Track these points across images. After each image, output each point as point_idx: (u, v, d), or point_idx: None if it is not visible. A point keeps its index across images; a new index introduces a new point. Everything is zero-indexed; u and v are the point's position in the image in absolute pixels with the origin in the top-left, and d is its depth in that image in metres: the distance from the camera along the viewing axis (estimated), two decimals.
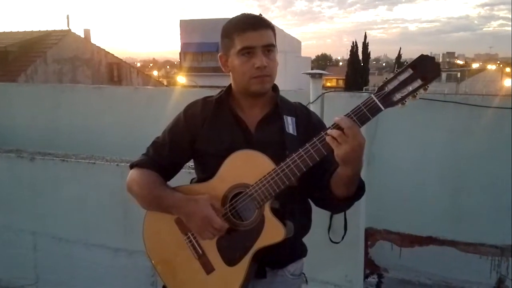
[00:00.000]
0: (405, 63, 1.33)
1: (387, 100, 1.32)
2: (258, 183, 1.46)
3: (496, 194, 3.39)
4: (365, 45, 35.47)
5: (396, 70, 1.33)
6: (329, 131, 1.36)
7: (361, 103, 1.35)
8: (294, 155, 1.42)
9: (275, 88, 1.67)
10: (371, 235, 3.67)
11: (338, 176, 1.45)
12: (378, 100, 1.32)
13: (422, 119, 3.47)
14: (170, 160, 1.66)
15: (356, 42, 35.14)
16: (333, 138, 1.34)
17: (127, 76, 22.34)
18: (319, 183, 1.54)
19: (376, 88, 1.35)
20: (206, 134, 1.60)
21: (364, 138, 1.35)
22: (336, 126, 1.35)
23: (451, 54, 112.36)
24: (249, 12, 1.63)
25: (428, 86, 1.31)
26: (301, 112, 1.67)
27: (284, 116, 1.60)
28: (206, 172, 1.60)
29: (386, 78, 1.34)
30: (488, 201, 3.43)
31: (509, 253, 3.42)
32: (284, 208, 1.52)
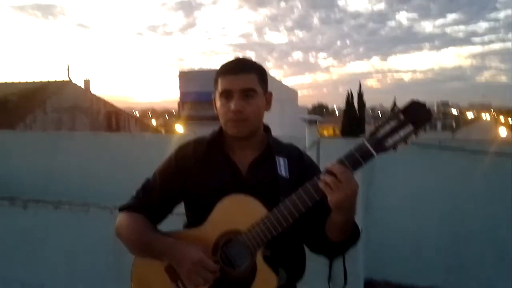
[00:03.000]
0: (395, 108, 1.34)
1: (379, 145, 1.33)
2: (250, 230, 1.43)
3: (496, 241, 3.35)
4: (360, 95, 36.07)
5: (389, 115, 1.35)
6: (321, 177, 1.35)
7: (352, 149, 1.35)
8: (286, 200, 1.40)
9: (267, 129, 1.67)
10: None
11: (331, 222, 1.43)
12: (371, 146, 1.33)
13: (419, 166, 3.48)
14: (160, 203, 1.63)
15: (351, 91, 35.75)
16: (327, 184, 1.33)
17: (125, 125, 22.50)
18: (313, 228, 1.52)
19: (368, 134, 1.36)
20: (197, 176, 1.58)
21: (357, 184, 1.34)
22: (329, 172, 1.34)
23: (445, 103, 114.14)
24: (242, 57, 1.66)
25: (419, 132, 1.32)
26: (293, 153, 1.65)
27: (276, 157, 1.59)
28: (196, 215, 1.57)
29: (378, 123, 1.35)
30: (488, 249, 3.38)
31: None
32: (277, 255, 1.49)
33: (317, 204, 1.40)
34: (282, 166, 1.58)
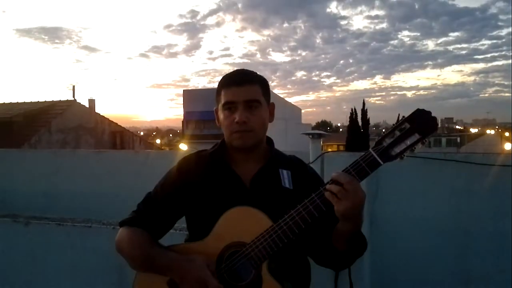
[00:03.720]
0: (401, 117, 1.33)
1: (386, 154, 1.31)
2: (255, 242, 1.40)
3: (503, 255, 3.27)
4: (364, 112, 36.06)
5: (393, 125, 1.33)
6: (328, 187, 1.33)
7: (359, 158, 1.33)
8: (292, 212, 1.38)
9: (270, 141, 1.65)
10: None
11: (338, 232, 1.41)
12: (377, 155, 1.31)
13: (424, 177, 3.43)
14: (162, 217, 1.60)
15: (355, 109, 35.72)
16: (333, 193, 1.31)
17: (129, 144, 22.57)
18: (319, 239, 1.49)
19: (374, 143, 1.34)
20: (199, 189, 1.56)
21: (364, 193, 1.32)
22: (335, 181, 1.32)
23: (449, 120, 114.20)
24: (243, 68, 1.66)
25: (426, 140, 1.31)
26: (296, 165, 1.63)
27: (280, 170, 1.57)
28: (199, 229, 1.54)
29: (384, 133, 1.34)
30: (495, 263, 3.31)
31: None
32: (282, 268, 1.46)
33: (323, 215, 1.37)
34: (286, 178, 1.57)
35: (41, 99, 21.02)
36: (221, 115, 1.56)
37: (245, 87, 1.52)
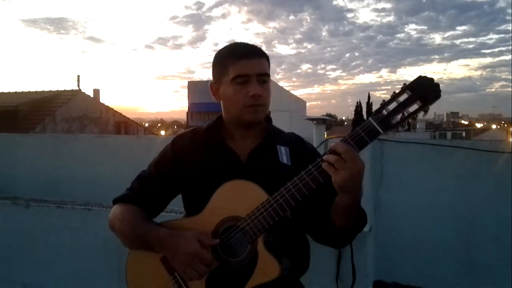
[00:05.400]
0: (403, 84, 1.28)
1: (385, 122, 1.26)
2: (250, 216, 1.36)
3: (509, 244, 3.23)
4: (369, 105, 36.02)
5: (394, 92, 1.29)
6: (325, 157, 1.28)
7: (358, 127, 1.28)
8: (288, 184, 1.33)
9: (267, 118, 1.61)
10: None
11: (337, 206, 1.35)
12: (376, 123, 1.26)
13: (429, 165, 3.39)
14: (156, 194, 1.56)
15: (360, 102, 35.72)
16: (330, 164, 1.26)
17: (134, 134, 22.59)
18: (317, 214, 1.44)
19: (374, 111, 1.30)
20: (195, 166, 1.52)
21: (363, 163, 1.27)
22: (332, 151, 1.27)
23: (455, 114, 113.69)
24: (242, 41, 1.60)
25: (428, 108, 1.26)
26: (295, 142, 1.59)
27: (278, 146, 1.52)
28: (194, 206, 1.49)
29: (384, 101, 1.30)
30: (500, 252, 3.26)
31: None
32: (280, 244, 1.41)
33: (321, 188, 1.33)
34: (283, 154, 1.52)
35: (46, 88, 21.06)
36: (228, 89, 1.48)
37: (256, 60, 1.47)
